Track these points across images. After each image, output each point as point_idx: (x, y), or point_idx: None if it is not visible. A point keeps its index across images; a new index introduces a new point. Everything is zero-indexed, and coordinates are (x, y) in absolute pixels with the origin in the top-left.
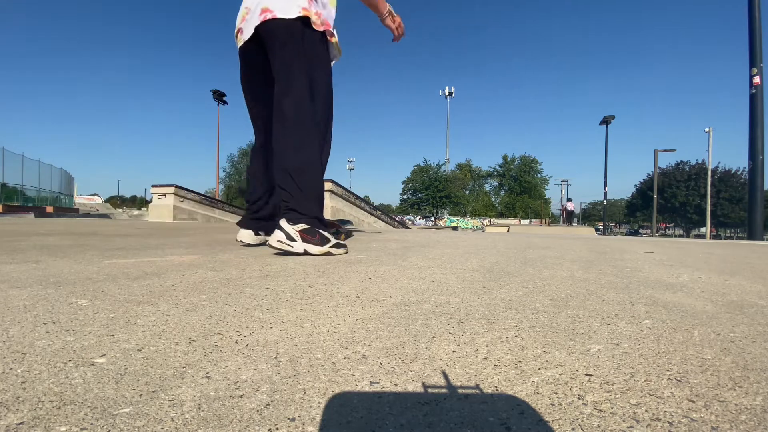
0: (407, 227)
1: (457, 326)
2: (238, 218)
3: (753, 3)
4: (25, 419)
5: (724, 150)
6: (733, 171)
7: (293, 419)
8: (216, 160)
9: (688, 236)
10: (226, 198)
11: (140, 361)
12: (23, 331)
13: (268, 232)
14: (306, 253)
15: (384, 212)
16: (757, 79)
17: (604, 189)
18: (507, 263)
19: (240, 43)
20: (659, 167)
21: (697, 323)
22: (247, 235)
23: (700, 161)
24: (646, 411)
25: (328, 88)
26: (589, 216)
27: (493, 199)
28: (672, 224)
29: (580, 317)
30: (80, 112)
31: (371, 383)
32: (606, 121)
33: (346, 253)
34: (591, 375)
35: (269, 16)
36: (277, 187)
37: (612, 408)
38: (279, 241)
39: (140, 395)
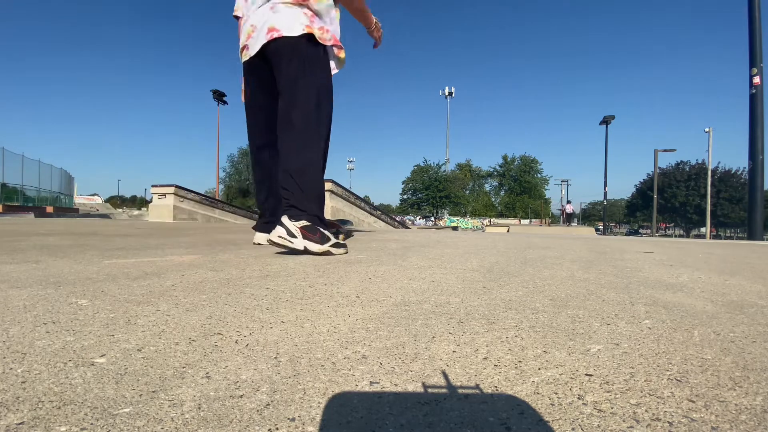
0: (407, 227)
1: (457, 326)
2: (238, 218)
3: (753, 3)
4: (25, 419)
5: (724, 150)
6: (733, 171)
7: (293, 419)
8: (216, 160)
9: (688, 236)
10: (226, 198)
11: (140, 361)
12: (23, 331)
13: None
14: (306, 250)
15: (384, 212)
16: (757, 79)
17: (604, 189)
18: (507, 263)
19: (245, 58)
20: (659, 167)
21: (697, 323)
22: (262, 238)
23: (700, 161)
24: (646, 411)
25: (329, 96)
26: (589, 216)
27: (493, 199)
28: (672, 224)
29: (580, 317)
30: (80, 112)
31: (371, 383)
32: (606, 121)
33: (346, 252)
34: (591, 375)
35: (276, 35)
36: (280, 188)
37: (612, 408)
38: (279, 236)
39: (140, 395)
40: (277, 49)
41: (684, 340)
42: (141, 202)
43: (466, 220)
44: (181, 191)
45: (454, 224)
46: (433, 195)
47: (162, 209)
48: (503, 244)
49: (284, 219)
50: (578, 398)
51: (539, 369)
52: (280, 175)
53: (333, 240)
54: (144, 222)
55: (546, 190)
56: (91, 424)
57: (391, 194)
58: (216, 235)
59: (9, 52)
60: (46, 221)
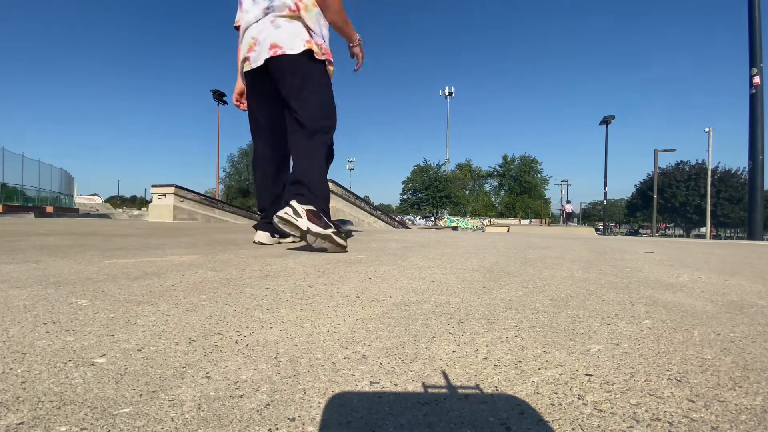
0: (407, 227)
1: (457, 326)
2: (238, 218)
3: (753, 3)
4: (25, 419)
5: (724, 150)
6: (733, 171)
7: (293, 419)
8: (216, 160)
9: (688, 236)
10: (226, 198)
11: (140, 361)
12: (23, 331)
13: (283, 235)
14: (308, 231)
15: (384, 212)
16: (757, 79)
17: (604, 189)
18: (507, 263)
19: (246, 69)
20: (659, 167)
21: (697, 323)
22: (264, 237)
23: (700, 161)
24: (646, 411)
25: (332, 104)
26: (589, 216)
27: (493, 199)
28: (672, 224)
29: (580, 317)
30: (80, 112)
31: (371, 383)
32: (606, 121)
33: (346, 248)
34: (591, 375)
35: (279, 51)
36: (287, 189)
37: (612, 408)
38: (286, 213)
39: (140, 395)
40: (279, 64)
41: (684, 340)
42: (141, 202)
43: (466, 220)
44: (181, 191)
45: (454, 224)
46: (433, 195)
47: (162, 209)
48: (503, 244)
49: (292, 201)
50: (578, 398)
51: (539, 369)
52: (288, 177)
53: (334, 230)
54: (144, 222)
55: (546, 190)
56: (91, 424)
57: (391, 194)
58: (216, 235)
59: (9, 52)
60: (46, 221)
